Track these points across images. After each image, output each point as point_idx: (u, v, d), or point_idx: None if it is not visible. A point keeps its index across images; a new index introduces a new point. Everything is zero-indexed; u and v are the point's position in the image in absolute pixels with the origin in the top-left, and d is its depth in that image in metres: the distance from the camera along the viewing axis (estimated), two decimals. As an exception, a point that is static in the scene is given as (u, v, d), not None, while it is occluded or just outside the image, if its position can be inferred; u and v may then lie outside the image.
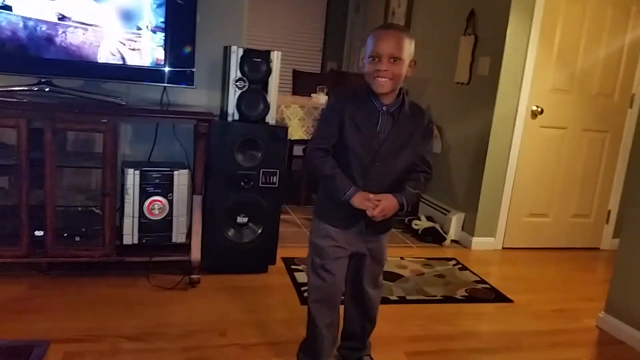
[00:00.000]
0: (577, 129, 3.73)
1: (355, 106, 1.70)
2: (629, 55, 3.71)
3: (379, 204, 1.67)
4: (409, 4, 4.88)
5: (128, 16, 2.52)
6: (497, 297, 2.84)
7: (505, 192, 3.66)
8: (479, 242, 3.66)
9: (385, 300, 2.63)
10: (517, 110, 3.55)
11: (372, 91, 1.68)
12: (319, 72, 6.54)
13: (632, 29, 3.67)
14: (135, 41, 2.55)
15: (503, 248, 3.73)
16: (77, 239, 2.57)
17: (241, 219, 2.76)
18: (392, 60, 1.61)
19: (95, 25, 2.48)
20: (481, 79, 3.69)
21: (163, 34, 2.55)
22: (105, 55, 2.51)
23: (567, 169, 3.77)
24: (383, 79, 1.62)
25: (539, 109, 3.58)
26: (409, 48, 1.64)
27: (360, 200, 1.68)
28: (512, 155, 3.61)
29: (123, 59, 2.53)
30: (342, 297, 1.94)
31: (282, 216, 2.94)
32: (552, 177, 3.75)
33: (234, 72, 2.62)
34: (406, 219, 3.99)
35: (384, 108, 1.70)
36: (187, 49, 2.60)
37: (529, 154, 3.64)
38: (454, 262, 3.31)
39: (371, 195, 1.68)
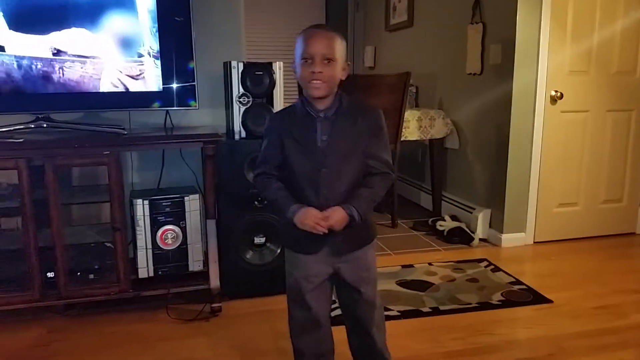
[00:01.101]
0: (600, 110, 3.55)
1: (290, 120, 1.62)
2: (648, 28, 3.52)
3: (327, 220, 1.54)
4: (411, -2, 4.74)
5: (126, 44, 2.42)
6: (535, 298, 2.68)
7: (532, 184, 3.49)
8: (508, 239, 3.50)
9: (418, 313, 2.50)
10: (535, 97, 3.39)
11: (306, 100, 1.59)
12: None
13: (649, 0, 3.48)
14: (137, 68, 2.45)
15: (534, 242, 3.56)
16: (91, 276, 2.48)
17: (259, 240, 2.64)
18: (325, 61, 1.51)
19: (93, 57, 2.39)
20: (494, 67, 3.53)
21: (159, 57, 2.45)
22: (106, 86, 2.41)
23: (594, 154, 3.59)
24: (317, 82, 1.51)
25: (559, 94, 3.41)
26: (341, 49, 1.54)
27: (302, 220, 1.56)
28: (535, 145, 3.44)
29: (125, 87, 2.44)
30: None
31: None
32: (578, 163, 3.57)
33: (236, 89, 2.51)
34: (430, 220, 3.85)
35: (321, 114, 1.58)
36: (187, 69, 2.49)
37: (552, 141, 3.48)
38: (485, 263, 3.16)
39: (312, 211, 1.56)
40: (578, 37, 3.40)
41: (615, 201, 3.72)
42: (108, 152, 2.28)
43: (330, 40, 1.52)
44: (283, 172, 1.64)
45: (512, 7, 3.29)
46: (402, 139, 3.78)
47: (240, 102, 2.53)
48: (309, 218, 1.55)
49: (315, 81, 1.51)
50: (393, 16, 5.15)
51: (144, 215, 2.41)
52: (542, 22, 3.29)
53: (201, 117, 2.81)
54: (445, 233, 3.65)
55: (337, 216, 1.56)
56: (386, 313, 2.34)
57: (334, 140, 1.58)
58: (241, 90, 2.52)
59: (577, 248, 3.49)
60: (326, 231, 1.55)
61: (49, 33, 2.32)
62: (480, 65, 3.66)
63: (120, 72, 2.43)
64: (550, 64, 3.36)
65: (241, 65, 2.51)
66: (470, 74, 3.78)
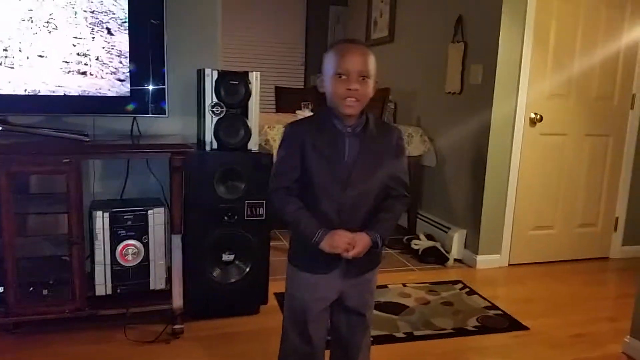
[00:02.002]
0: (579, 134, 3.53)
1: (316, 131, 1.51)
2: (627, 55, 3.53)
3: (355, 246, 1.47)
4: (392, 12, 4.69)
5: (93, 45, 2.28)
6: (511, 324, 2.60)
7: (508, 206, 3.44)
8: (483, 261, 3.44)
9: (392, 339, 2.39)
10: (514, 119, 3.35)
11: (333, 113, 1.50)
12: (302, 87, 6.32)
13: (629, 27, 3.49)
14: (103, 71, 2.31)
15: (509, 265, 3.50)
16: (45, 292, 2.30)
17: (227, 257, 2.51)
18: (361, 78, 1.43)
19: (55, 57, 2.25)
20: (474, 88, 3.48)
21: (128, 60, 2.32)
22: (69, 89, 2.27)
23: (571, 177, 3.57)
24: (352, 100, 1.43)
25: (538, 116, 3.38)
26: (374, 66, 1.47)
27: (330, 244, 1.47)
28: (512, 166, 3.40)
29: (89, 90, 2.29)
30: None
31: (272, 242, 2.68)
32: (555, 186, 3.54)
33: (209, 97, 2.38)
34: (405, 239, 3.76)
35: (349, 129, 1.50)
36: (157, 75, 2.36)
37: (530, 163, 3.44)
38: (460, 285, 3.07)
39: (343, 234, 1.47)
40: (560, 61, 3.38)
41: (591, 225, 3.70)
42: (68, 160, 2.12)
43: (366, 57, 1.45)
44: (301, 186, 1.53)
45: (494, 27, 3.25)
46: (379, 156, 3.70)
47: (213, 111, 2.40)
48: (341, 241, 1.46)
49: (350, 99, 1.43)
50: (374, 31, 5.10)
51: (103, 229, 2.26)
52: (524, 44, 3.26)
53: (171, 125, 2.67)
54: (420, 252, 3.56)
55: (363, 243, 1.48)
56: (358, 339, 2.23)
57: (361, 157, 1.50)
58: (214, 99, 2.40)
59: (552, 272, 3.45)
60: (351, 255, 1.47)
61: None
62: (460, 85, 3.61)
63: (85, 74, 2.29)
64: (531, 87, 3.33)
65: (215, 73, 2.39)
66: (449, 92, 3.73)
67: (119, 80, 2.35)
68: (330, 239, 1.46)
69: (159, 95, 2.36)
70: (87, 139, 2.19)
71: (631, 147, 3.66)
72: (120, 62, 2.35)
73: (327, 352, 1.72)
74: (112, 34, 2.34)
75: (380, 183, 1.54)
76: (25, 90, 2.24)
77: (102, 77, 2.33)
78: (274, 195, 1.55)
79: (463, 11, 3.60)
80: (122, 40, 2.33)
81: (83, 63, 2.31)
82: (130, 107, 2.34)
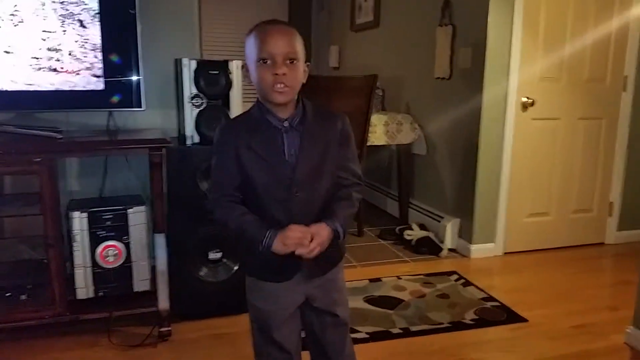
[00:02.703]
0: (571, 118, 3.45)
1: (248, 131, 1.35)
2: (618, 35, 3.44)
3: (313, 239, 1.31)
4: (377, -3, 4.57)
5: (62, 36, 2.15)
6: (510, 316, 2.53)
7: (502, 193, 3.36)
8: (478, 250, 3.36)
9: (388, 335, 2.31)
10: (506, 104, 3.25)
11: (264, 107, 1.36)
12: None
13: (619, 6, 3.40)
14: (74, 64, 2.18)
15: (505, 253, 3.43)
16: (23, 297, 2.19)
17: (214, 255, 2.40)
18: (288, 61, 1.29)
19: (24, 50, 2.11)
20: (464, 72, 3.38)
21: (100, 52, 2.19)
22: (39, 84, 2.14)
23: (564, 162, 3.49)
24: (281, 85, 1.28)
25: (530, 101, 3.29)
26: (302, 46, 1.33)
27: (281, 244, 1.31)
28: (505, 152, 3.31)
29: (60, 84, 2.16)
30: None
31: None
32: (549, 172, 3.47)
33: (188, 89, 2.26)
34: (397, 229, 3.68)
35: (285, 124, 1.35)
36: (132, 66, 2.23)
37: (522, 149, 3.35)
38: (455, 276, 2.99)
39: (295, 228, 1.32)
40: (550, 43, 3.29)
41: (586, 211, 3.63)
42: (39, 159, 2.00)
43: (291, 37, 1.31)
44: (244, 193, 1.39)
45: (483, 9, 3.15)
46: (368, 144, 3.60)
47: (192, 103, 2.28)
48: (294, 236, 1.30)
49: (279, 84, 1.28)
50: (359, 16, 4.97)
51: (81, 230, 2.14)
52: (514, 26, 3.16)
53: (149, 118, 2.55)
54: (413, 243, 3.48)
55: (322, 233, 1.33)
56: (354, 335, 2.16)
57: (304, 153, 1.35)
58: (194, 90, 2.28)
59: (548, 259, 3.38)
60: (312, 253, 1.32)
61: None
62: (449, 69, 3.51)
63: (57, 71, 2.16)
64: (522, 70, 3.24)
65: (194, 63, 2.26)
66: (438, 78, 3.63)
67: (95, 76, 2.22)
68: (282, 236, 1.31)
69: (134, 87, 2.24)
70: (60, 136, 2.06)
71: (624, 130, 3.58)
72: (96, 57, 2.22)
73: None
74: (85, 27, 2.21)
75: (329, 177, 1.40)
76: (-8, 86, 2.11)
77: (77, 74, 2.20)
78: (214, 206, 1.40)
79: (451, -7, 3.49)
80: (96, 33, 2.20)
81: (55, 59, 2.18)
82: (103, 101, 2.21)
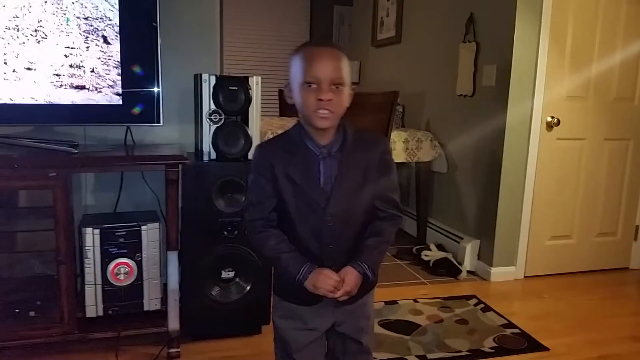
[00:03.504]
0: (597, 138, 3.35)
1: (286, 155, 1.32)
2: (648, 54, 3.35)
3: (342, 287, 1.31)
4: (399, 12, 4.52)
5: (83, 50, 2.13)
6: (530, 345, 2.43)
7: (524, 214, 3.26)
8: (498, 273, 3.26)
9: (403, 364, 2.23)
10: (530, 123, 3.17)
11: (304, 130, 1.32)
12: (307, 89, 6.16)
13: (650, 24, 3.31)
14: (93, 79, 2.15)
15: (525, 277, 3.33)
16: (32, 314, 2.15)
17: (227, 274, 2.35)
18: (334, 86, 1.24)
19: (43, 65, 2.10)
20: (487, 90, 3.31)
21: (119, 66, 2.16)
22: (57, 98, 2.12)
23: (589, 184, 3.39)
24: (325, 112, 1.24)
25: (555, 120, 3.20)
26: (349, 70, 1.28)
27: (313, 284, 1.31)
28: (528, 173, 3.22)
29: (79, 99, 2.14)
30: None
31: None
32: (573, 193, 3.37)
33: (207, 105, 2.23)
34: (414, 249, 3.60)
35: (324, 150, 1.31)
36: (151, 81, 2.21)
37: (546, 169, 3.26)
38: (474, 300, 2.90)
39: (328, 275, 1.30)
40: (577, 60, 3.21)
41: (610, 234, 3.52)
42: (54, 174, 1.97)
43: (339, 61, 1.26)
44: (277, 215, 1.36)
45: (509, 27, 3.08)
46: (387, 162, 3.53)
47: (211, 119, 2.24)
48: (325, 283, 1.30)
49: (322, 111, 1.24)
50: (380, 31, 4.93)
51: (93, 247, 2.11)
52: (540, 43, 3.09)
53: (167, 133, 2.52)
54: (431, 264, 3.40)
55: (352, 282, 1.32)
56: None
57: (340, 183, 1.32)
58: (212, 106, 2.24)
59: (570, 284, 3.27)
60: (339, 296, 1.32)
61: (-10, 34, 2.02)
62: (472, 87, 3.44)
63: (79, 88, 2.14)
64: (547, 88, 3.16)
65: (213, 79, 2.23)
66: (461, 95, 3.56)
67: (117, 94, 2.19)
68: (314, 278, 1.30)
69: (153, 102, 2.20)
70: (75, 151, 2.03)
71: (652, 152, 3.48)
72: (118, 74, 2.19)
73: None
74: (108, 43, 2.18)
75: (365, 206, 1.36)
76: (11, 99, 2.09)
77: (98, 91, 2.18)
78: (251, 228, 1.37)
79: (475, 9, 3.43)
80: (119, 50, 2.17)
81: (77, 76, 2.15)
82: (121, 116, 2.19)
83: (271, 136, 3.29)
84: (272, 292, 1.48)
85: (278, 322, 1.46)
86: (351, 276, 1.32)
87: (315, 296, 1.34)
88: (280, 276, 1.43)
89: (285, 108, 5.11)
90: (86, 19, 2.14)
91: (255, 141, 2.33)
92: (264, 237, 1.34)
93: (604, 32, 3.23)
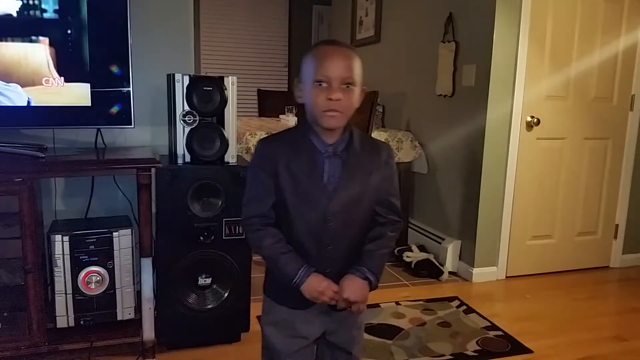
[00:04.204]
0: (577, 138, 3.35)
1: (290, 151, 1.29)
2: (626, 54, 3.36)
3: (343, 296, 1.28)
4: (378, 11, 4.48)
5: (46, 50, 2.04)
6: (514, 347, 2.40)
7: (505, 214, 3.25)
8: (480, 273, 3.24)
9: (386, 369, 2.18)
10: (510, 123, 3.16)
11: (311, 128, 1.30)
12: (287, 89, 6.11)
13: (627, 24, 3.32)
14: (59, 79, 2.07)
15: (507, 277, 3.31)
16: (-2, 326, 2.06)
17: (203, 281, 2.27)
18: (344, 85, 1.23)
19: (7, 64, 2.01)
20: (467, 90, 3.29)
21: (87, 65, 2.08)
22: (22, 99, 2.02)
23: (569, 183, 3.39)
24: (335, 112, 1.23)
25: (535, 120, 3.19)
26: (360, 71, 1.27)
27: (311, 291, 1.28)
28: (509, 173, 3.21)
29: (46, 100, 2.05)
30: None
31: (254, 257, 2.42)
32: (553, 193, 3.36)
33: (181, 105, 2.15)
34: (396, 250, 3.56)
35: (329, 149, 1.29)
36: (122, 82, 2.12)
37: (527, 169, 3.25)
38: (457, 302, 2.87)
39: (326, 286, 1.28)
40: (557, 60, 3.20)
41: (590, 233, 3.53)
42: (20, 180, 1.88)
43: (350, 61, 1.24)
44: (276, 213, 1.33)
45: (488, 26, 3.06)
46: (367, 163, 3.49)
47: (184, 121, 2.17)
48: (321, 293, 1.28)
49: (331, 111, 1.22)
50: (359, 31, 4.89)
51: (63, 254, 2.02)
52: (519, 43, 3.07)
53: (140, 135, 2.44)
54: (412, 265, 3.36)
55: (354, 288, 1.29)
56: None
57: (343, 183, 1.29)
58: (186, 107, 2.17)
59: (552, 284, 3.26)
60: (342, 306, 1.30)
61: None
62: (451, 87, 3.41)
63: (41, 82, 2.05)
64: (527, 88, 3.14)
65: (186, 79, 2.16)
66: (440, 95, 3.53)
67: (79, 89, 2.10)
68: (311, 288, 1.28)
69: (124, 104, 2.12)
70: (43, 155, 1.95)
71: (631, 150, 3.49)
72: (84, 72, 2.10)
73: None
74: (72, 40, 2.09)
75: (365, 209, 1.34)
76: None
77: (60, 86, 2.09)
78: (248, 225, 1.33)
79: (454, 9, 3.40)
80: (84, 46, 2.09)
81: (41, 74, 2.06)
82: (91, 118, 2.10)
83: (249, 137, 3.23)
84: (263, 294, 1.44)
85: (267, 330, 1.42)
86: (352, 283, 1.29)
87: (303, 300, 1.31)
88: (273, 276, 1.40)
89: (265, 108, 5.06)
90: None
91: (232, 143, 2.27)
92: (261, 236, 1.31)
93: (582, 32, 3.23)
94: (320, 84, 1.22)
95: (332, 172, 1.29)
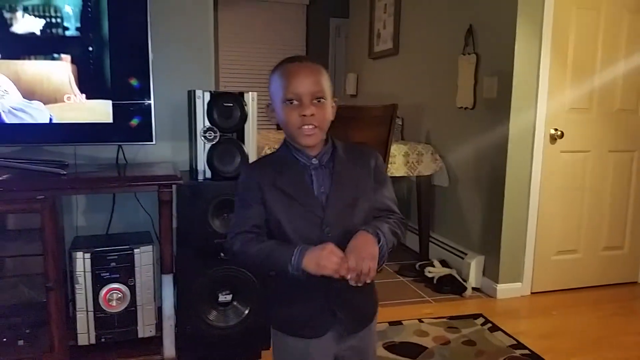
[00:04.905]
0: (602, 150, 3.28)
1: (274, 170, 1.27)
2: (651, 63, 3.29)
3: (351, 246, 1.17)
4: (396, 24, 4.47)
5: (69, 67, 2.06)
6: (542, 366, 2.34)
7: (529, 229, 3.18)
8: (504, 290, 3.17)
9: (410, 390, 2.13)
10: (533, 135, 3.10)
11: (292, 145, 1.28)
12: (304, 103, 6.11)
13: (652, 34, 3.26)
14: (81, 97, 2.08)
15: (532, 293, 3.24)
16: (21, 342, 2.05)
17: (224, 298, 2.25)
18: (315, 100, 1.21)
19: (31, 84, 2.02)
20: (488, 102, 3.24)
21: (109, 82, 2.09)
22: (45, 117, 2.04)
23: (594, 197, 3.31)
24: (309, 127, 1.21)
25: (559, 132, 3.13)
26: (329, 83, 1.26)
27: (317, 263, 1.15)
28: (532, 186, 3.14)
29: (69, 118, 2.06)
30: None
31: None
32: (578, 207, 3.28)
33: (201, 122, 2.15)
34: (417, 265, 3.51)
35: (314, 161, 1.27)
36: (142, 99, 2.13)
37: (551, 183, 3.18)
38: (481, 320, 2.81)
39: (332, 251, 1.16)
40: (580, 72, 3.14)
41: (617, 248, 3.43)
42: (42, 197, 1.88)
43: (317, 75, 1.23)
44: (269, 236, 1.28)
45: (509, 38, 3.02)
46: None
47: (205, 137, 2.16)
48: (329, 261, 1.15)
49: (307, 127, 1.21)
50: (377, 43, 4.87)
51: (84, 272, 2.02)
52: (541, 55, 3.03)
53: (161, 151, 2.44)
54: (434, 281, 3.30)
55: (363, 240, 1.19)
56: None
57: (335, 192, 1.26)
58: (207, 123, 2.16)
59: (578, 300, 3.18)
60: (351, 276, 1.16)
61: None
62: (472, 99, 3.37)
63: (62, 99, 2.06)
64: (550, 100, 3.09)
65: (207, 95, 2.15)
66: (461, 107, 3.49)
67: (100, 106, 2.11)
68: (315, 255, 1.16)
69: (145, 120, 2.13)
70: (64, 172, 1.95)
71: (658, 163, 3.41)
72: (104, 89, 2.12)
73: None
74: (94, 57, 2.11)
75: (362, 217, 1.29)
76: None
77: (81, 104, 2.10)
78: (233, 240, 1.26)
79: (474, 21, 3.37)
80: (106, 64, 2.10)
81: (62, 91, 2.08)
82: (112, 135, 2.11)
83: (268, 151, 3.22)
84: (272, 329, 1.37)
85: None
86: (360, 235, 1.20)
87: (317, 324, 1.27)
88: (274, 299, 1.35)
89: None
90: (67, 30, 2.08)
91: (252, 158, 2.26)
92: (247, 241, 1.24)
93: (606, 43, 3.17)
94: (291, 102, 1.21)
95: (321, 183, 1.26)
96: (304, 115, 1.20)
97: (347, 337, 1.31)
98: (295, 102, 1.21)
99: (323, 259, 1.16)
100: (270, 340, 2.27)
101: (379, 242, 1.21)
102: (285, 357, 1.34)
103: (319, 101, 1.22)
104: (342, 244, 1.20)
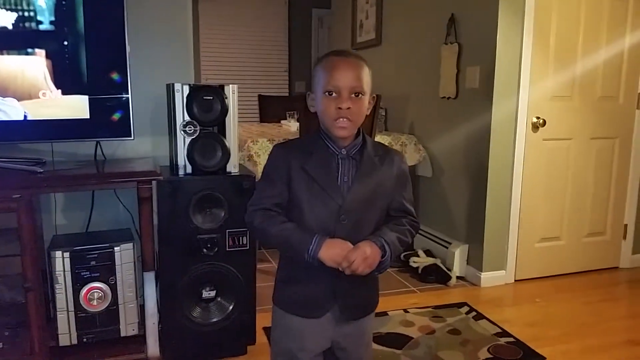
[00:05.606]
0: (584, 138, 3.30)
1: (305, 153, 1.33)
2: (632, 52, 3.31)
3: (356, 256, 1.24)
4: (378, 14, 4.44)
5: (42, 60, 2.01)
6: (526, 354, 2.35)
7: (512, 217, 3.20)
8: (488, 278, 3.19)
9: (396, 381, 2.13)
10: (516, 124, 3.11)
11: (325, 135, 1.34)
12: (287, 94, 6.07)
13: (633, 21, 3.27)
14: (56, 92, 2.03)
15: (515, 281, 3.26)
16: (0, 345, 2.01)
17: (207, 294, 2.23)
18: (353, 95, 1.26)
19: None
20: (471, 92, 3.24)
21: (85, 77, 2.04)
22: (19, 113, 1.99)
23: (576, 184, 3.34)
24: (344, 120, 1.26)
25: (541, 120, 3.14)
26: (369, 80, 1.31)
27: (330, 257, 1.24)
28: (515, 175, 3.16)
29: (44, 113, 2.01)
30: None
31: (259, 265, 2.37)
32: (561, 194, 3.31)
33: (181, 116, 2.11)
34: (402, 255, 3.51)
35: (343, 151, 1.33)
36: (119, 94, 2.08)
37: (533, 171, 3.20)
38: (466, 308, 2.82)
39: (343, 246, 1.25)
40: (561, 60, 3.15)
41: (599, 234, 3.47)
42: (18, 196, 1.84)
43: (359, 71, 1.28)
44: (288, 215, 1.33)
45: (491, 27, 3.01)
46: (371, 168, 3.45)
47: (185, 131, 2.13)
48: (339, 256, 1.24)
49: (341, 119, 1.26)
50: (360, 33, 4.85)
51: (64, 271, 1.98)
52: (523, 43, 3.03)
53: (140, 146, 2.40)
54: (419, 270, 3.31)
55: (367, 249, 1.25)
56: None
57: (357, 183, 1.32)
58: (187, 117, 2.13)
59: (561, 286, 3.21)
60: (355, 267, 1.24)
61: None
62: (455, 89, 3.37)
63: (37, 95, 2.01)
64: (532, 89, 3.10)
65: (186, 88, 2.11)
66: (444, 97, 3.48)
67: (78, 101, 2.07)
68: (329, 249, 1.24)
69: (123, 116, 2.08)
70: (40, 170, 1.91)
71: (638, 149, 3.44)
72: (81, 83, 2.07)
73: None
74: (69, 52, 2.06)
75: (379, 211, 1.36)
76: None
77: (57, 99, 2.05)
78: (252, 215, 1.33)
79: (456, 10, 3.36)
80: (82, 58, 2.05)
81: (37, 86, 2.03)
82: (88, 130, 2.06)
83: (251, 145, 3.19)
84: (273, 305, 1.44)
85: (278, 342, 1.44)
86: (366, 244, 1.26)
87: (317, 305, 1.34)
88: (282, 283, 1.41)
89: (266, 113, 5.02)
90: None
91: (234, 153, 2.23)
92: (267, 218, 1.31)
93: (587, 31, 3.18)
94: (330, 94, 1.26)
95: (346, 172, 1.32)
96: (340, 108, 1.24)
97: (344, 323, 1.37)
98: (334, 95, 1.25)
99: (339, 254, 1.24)
100: (255, 335, 2.29)
101: (383, 255, 1.28)
102: (282, 334, 1.41)
103: (357, 96, 1.26)
104: (352, 235, 1.29)
